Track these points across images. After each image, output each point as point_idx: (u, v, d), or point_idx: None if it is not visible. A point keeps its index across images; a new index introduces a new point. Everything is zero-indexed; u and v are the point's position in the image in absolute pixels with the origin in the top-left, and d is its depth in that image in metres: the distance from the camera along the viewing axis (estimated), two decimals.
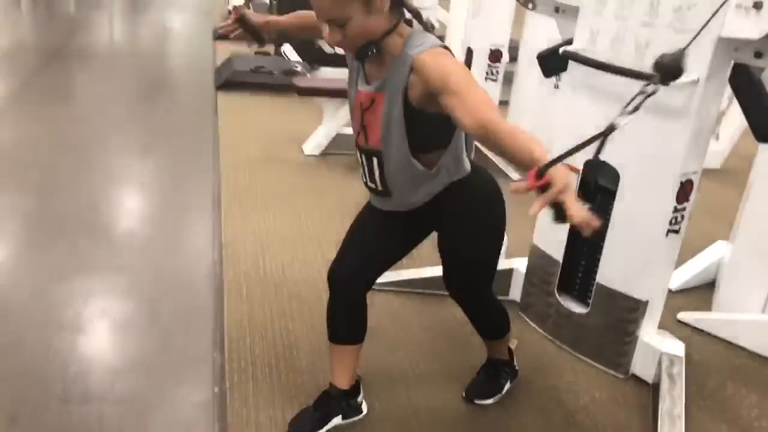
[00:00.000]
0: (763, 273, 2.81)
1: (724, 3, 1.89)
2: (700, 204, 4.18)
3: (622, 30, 2.22)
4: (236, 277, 2.86)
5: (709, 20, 1.89)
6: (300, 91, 4.48)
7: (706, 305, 3.04)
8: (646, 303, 2.38)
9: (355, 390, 2.11)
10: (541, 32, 4.08)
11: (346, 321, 2.01)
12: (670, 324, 2.86)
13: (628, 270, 2.39)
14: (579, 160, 2.43)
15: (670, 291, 3.11)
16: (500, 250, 2.00)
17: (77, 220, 3.31)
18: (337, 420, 2.08)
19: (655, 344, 2.41)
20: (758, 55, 1.98)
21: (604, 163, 2.39)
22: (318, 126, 4.52)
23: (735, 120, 4.64)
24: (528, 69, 4.60)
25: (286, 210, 3.55)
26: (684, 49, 1.78)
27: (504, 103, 4.66)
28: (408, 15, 1.73)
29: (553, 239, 2.61)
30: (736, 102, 2.23)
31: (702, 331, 2.84)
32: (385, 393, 2.26)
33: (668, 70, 1.76)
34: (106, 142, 4.40)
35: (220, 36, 7.20)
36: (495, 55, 4.33)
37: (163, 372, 2.31)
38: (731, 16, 1.96)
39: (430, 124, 1.68)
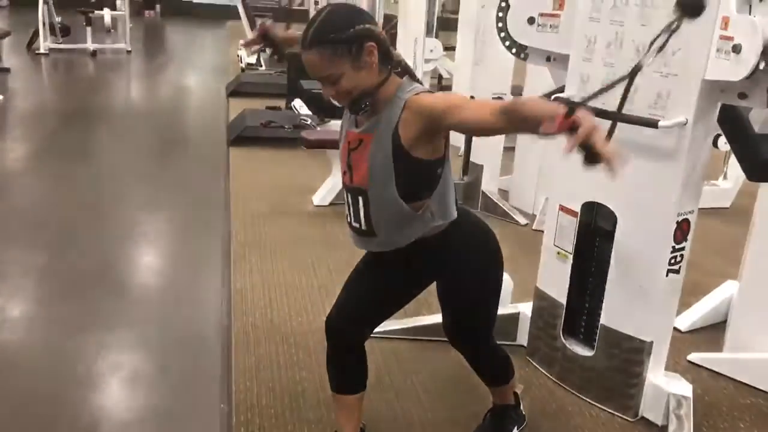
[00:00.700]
0: None
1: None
2: (710, 243, 4.23)
3: (610, 75, 2.27)
4: (244, 328, 2.89)
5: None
6: (308, 144, 4.57)
7: (718, 346, 3.01)
8: (650, 343, 2.38)
9: None
10: (544, 79, 4.15)
11: (345, 371, 2.02)
12: (681, 365, 2.85)
13: (631, 311, 2.39)
14: (577, 202, 2.48)
15: (680, 332, 3.13)
16: (498, 295, 2.02)
17: (88, 276, 3.37)
18: None
19: (663, 385, 2.40)
20: (742, 96, 2.03)
21: (601, 205, 2.43)
22: (327, 177, 4.60)
23: None
24: None
25: (294, 260, 3.60)
26: None
27: (510, 149, 4.72)
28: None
29: (556, 282, 2.62)
30: None
31: (714, 371, 2.82)
32: None
33: (691, 3, 1.79)
34: (120, 198, 4.51)
35: (233, 92, 7.41)
36: None
37: (171, 423, 2.34)
38: (713, 59, 2.01)
39: (416, 168, 1.73)
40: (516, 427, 2.31)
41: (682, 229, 2.27)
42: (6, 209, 4.22)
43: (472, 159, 4.58)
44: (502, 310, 2.87)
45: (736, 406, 2.60)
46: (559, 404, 2.55)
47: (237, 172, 4.98)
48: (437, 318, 2.82)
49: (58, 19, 9.75)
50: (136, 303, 3.18)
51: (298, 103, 5.99)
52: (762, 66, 1.92)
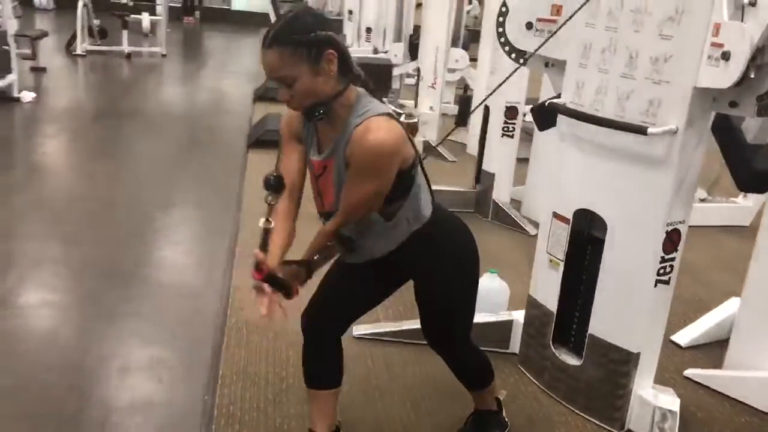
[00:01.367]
0: None
1: None
2: (721, 260, 4.15)
3: (604, 82, 2.25)
4: (238, 324, 2.92)
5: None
6: None
7: (718, 363, 2.94)
8: (637, 355, 2.34)
9: None
10: None
11: (318, 365, 2.03)
12: (677, 381, 2.79)
13: (619, 321, 2.36)
14: (569, 209, 2.46)
15: (679, 347, 3.07)
16: (474, 295, 2.02)
17: (96, 266, 3.46)
18: None
19: (649, 398, 2.36)
20: (733, 104, 2.00)
21: (596, 213, 2.40)
22: None
23: None
24: None
25: None
26: None
27: (523, 161, 4.69)
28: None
29: (547, 289, 2.60)
30: None
31: (711, 388, 2.75)
32: None
33: None
34: (138, 195, 4.59)
35: (260, 97, 7.49)
36: (511, 112, 4.39)
37: (153, 412, 2.38)
38: (704, 66, 1.98)
39: None
40: None
41: (671, 239, 2.24)
42: (28, 202, 4.33)
43: (484, 167, 4.56)
44: (496, 318, 2.88)
45: (729, 425, 2.54)
46: (546, 413, 2.52)
47: (252, 174, 5.04)
48: None
49: (96, 21, 9.99)
50: (137, 295, 3.23)
51: None
52: (752, 74, 1.89)
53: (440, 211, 1.91)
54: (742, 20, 1.90)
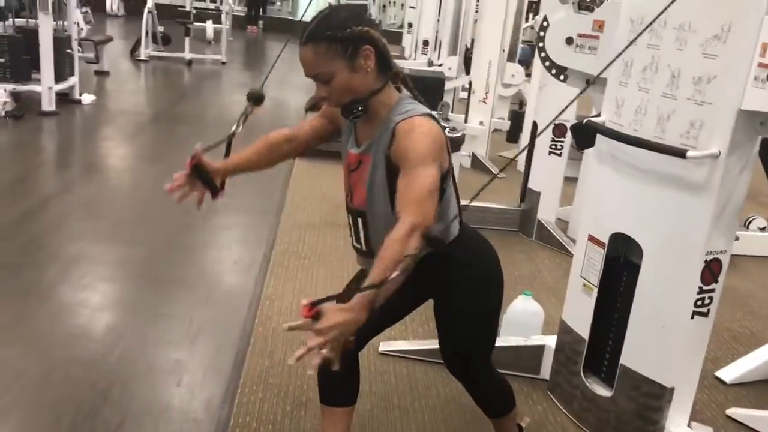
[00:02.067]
0: None
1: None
2: None
3: (644, 101, 2.15)
4: (264, 333, 2.90)
5: None
6: None
7: (765, 403, 2.77)
8: (671, 390, 2.21)
9: None
10: None
11: (334, 383, 1.97)
12: (719, 420, 2.64)
13: (653, 352, 2.24)
14: (605, 233, 2.35)
15: (723, 384, 2.90)
16: (496, 319, 1.94)
17: (133, 267, 3.51)
18: None
19: None
20: None
21: (630, 237, 2.29)
22: None
23: None
24: None
25: (330, 272, 3.59)
26: None
27: (572, 180, 4.56)
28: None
29: (580, 315, 2.49)
30: None
31: (755, 430, 2.59)
32: None
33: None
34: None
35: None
36: (559, 129, 4.27)
37: (171, 417, 2.37)
38: (750, 88, 1.87)
39: None
40: None
41: (711, 270, 2.11)
42: (79, 199, 4.44)
43: (530, 186, 4.45)
44: (526, 342, 2.78)
45: None
46: None
47: (296, 183, 5.06)
48: None
49: (160, 28, 10.28)
50: (169, 297, 3.26)
51: None
52: None
53: (469, 230, 1.85)
54: None
